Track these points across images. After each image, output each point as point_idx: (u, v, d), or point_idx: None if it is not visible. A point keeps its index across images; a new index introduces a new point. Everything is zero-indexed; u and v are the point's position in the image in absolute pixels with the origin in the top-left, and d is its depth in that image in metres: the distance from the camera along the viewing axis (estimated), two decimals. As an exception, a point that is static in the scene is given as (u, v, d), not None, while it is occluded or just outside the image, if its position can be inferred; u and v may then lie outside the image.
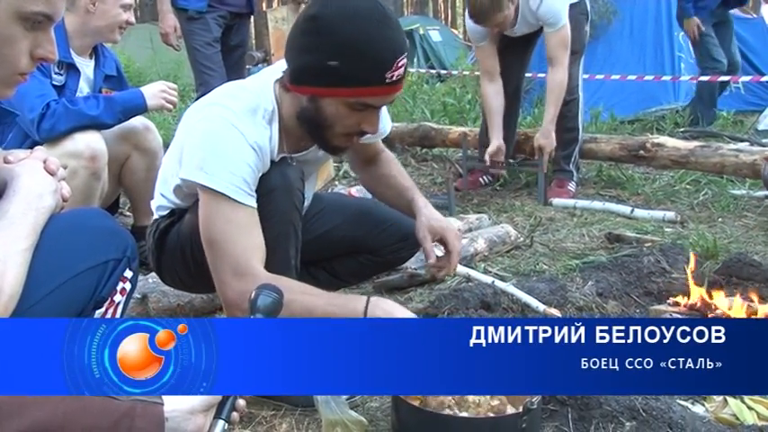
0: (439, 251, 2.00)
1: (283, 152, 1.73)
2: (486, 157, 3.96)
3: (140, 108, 2.74)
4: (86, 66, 2.79)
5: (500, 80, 4.04)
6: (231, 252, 1.60)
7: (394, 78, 1.55)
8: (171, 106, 2.86)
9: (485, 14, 3.68)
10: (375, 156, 2.10)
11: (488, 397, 1.66)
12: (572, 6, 3.89)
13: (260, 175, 1.66)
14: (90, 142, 2.57)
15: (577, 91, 4.03)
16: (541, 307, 2.32)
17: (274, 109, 1.68)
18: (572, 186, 4.10)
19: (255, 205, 1.63)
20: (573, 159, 4.12)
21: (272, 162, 1.70)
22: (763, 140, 5.37)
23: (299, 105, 1.64)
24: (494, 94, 4.02)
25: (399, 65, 1.55)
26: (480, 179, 4.32)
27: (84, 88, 2.77)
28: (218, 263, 1.63)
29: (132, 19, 2.82)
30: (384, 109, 1.97)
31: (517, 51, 4.11)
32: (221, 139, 1.60)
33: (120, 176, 2.91)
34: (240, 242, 1.60)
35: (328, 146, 1.73)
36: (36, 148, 1.37)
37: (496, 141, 3.94)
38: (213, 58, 4.00)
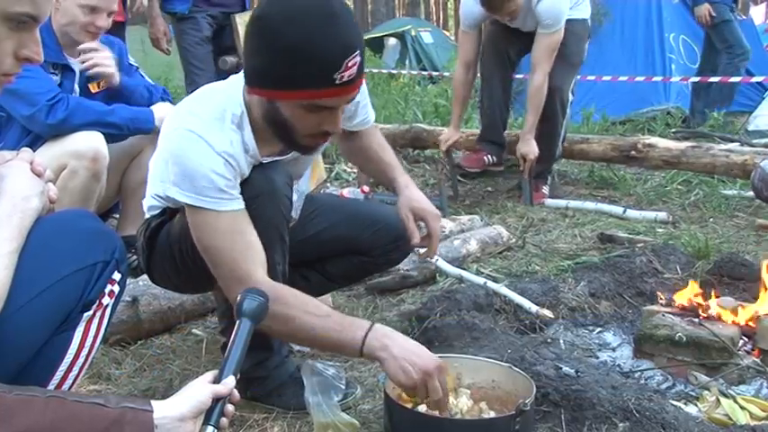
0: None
1: (267, 155, 1.71)
2: (443, 147, 4.20)
3: (148, 127, 2.72)
4: (76, 65, 2.78)
5: (474, 72, 4.14)
6: (226, 260, 1.60)
7: (345, 79, 1.49)
8: None
9: (499, 2, 3.67)
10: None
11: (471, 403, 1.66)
12: (578, 21, 3.90)
13: (238, 179, 1.64)
14: (93, 143, 2.55)
15: (566, 107, 4.00)
16: (534, 308, 2.32)
17: (243, 112, 1.65)
18: (545, 189, 4.13)
19: (240, 206, 1.61)
20: (546, 170, 4.13)
21: (261, 164, 1.69)
22: (754, 141, 5.39)
23: (262, 107, 1.62)
24: (467, 83, 4.16)
25: (350, 65, 1.48)
26: (485, 158, 4.22)
27: (76, 88, 2.76)
28: (218, 272, 1.63)
29: (102, 23, 2.68)
30: (366, 97, 1.96)
31: (507, 52, 4.10)
32: (189, 154, 1.58)
33: (124, 172, 2.86)
34: (232, 248, 1.59)
35: (296, 146, 1.69)
36: (22, 149, 1.35)
37: (454, 132, 4.19)
38: (202, 56, 3.95)
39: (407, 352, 1.54)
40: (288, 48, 1.46)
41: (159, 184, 1.71)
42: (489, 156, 4.20)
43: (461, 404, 1.65)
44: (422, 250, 1.97)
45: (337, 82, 1.49)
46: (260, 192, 1.65)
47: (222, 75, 3.92)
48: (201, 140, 1.58)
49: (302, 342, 1.72)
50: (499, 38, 4.05)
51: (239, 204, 1.61)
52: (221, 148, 1.59)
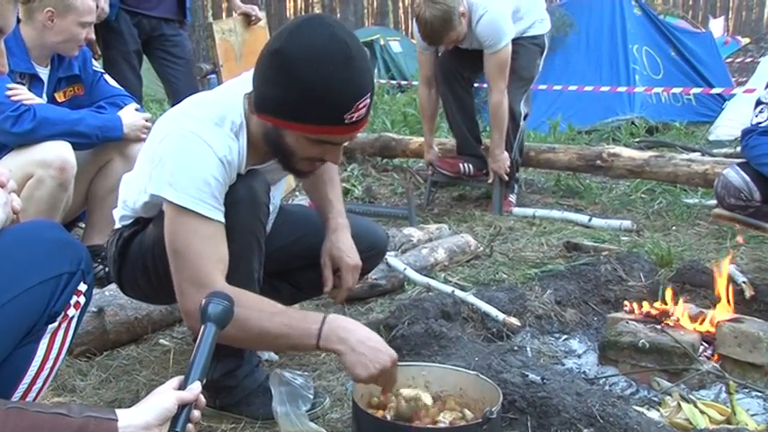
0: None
1: (250, 165, 1.73)
2: (430, 167, 4.26)
3: (117, 135, 2.73)
4: (44, 74, 2.75)
5: (437, 88, 4.17)
6: (194, 262, 1.58)
7: (354, 119, 1.54)
8: (145, 137, 2.83)
9: (437, 35, 3.68)
10: None
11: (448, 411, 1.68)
12: (533, 38, 3.95)
13: (227, 186, 1.65)
14: (61, 153, 2.52)
15: (518, 120, 4.04)
16: (501, 316, 2.34)
17: (242, 123, 1.68)
18: (513, 198, 4.20)
19: (223, 220, 1.62)
20: (512, 179, 4.19)
21: (239, 174, 1.70)
22: (714, 150, 5.52)
23: (265, 128, 1.64)
24: (431, 100, 4.20)
25: (360, 107, 1.53)
26: (461, 165, 4.21)
27: (44, 97, 2.73)
28: (180, 272, 1.61)
29: (92, 35, 2.79)
30: None
31: (458, 71, 4.12)
32: (189, 154, 1.59)
33: (91, 181, 2.83)
34: (204, 253, 1.59)
35: (292, 169, 1.73)
36: (-13, 159, 1.33)
37: (430, 149, 4.27)
38: (125, 73, 3.79)
39: (365, 346, 1.56)
40: (303, 85, 1.50)
41: (144, 192, 1.70)
42: (465, 164, 4.20)
43: (447, 414, 1.67)
44: (326, 288, 1.98)
45: (346, 122, 1.54)
46: (240, 199, 1.66)
47: (187, 88, 3.85)
48: (203, 142, 1.59)
49: (258, 343, 1.69)
50: (449, 58, 4.08)
51: (221, 218, 1.62)
52: (222, 153, 1.60)
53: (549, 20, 4.11)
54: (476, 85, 4.37)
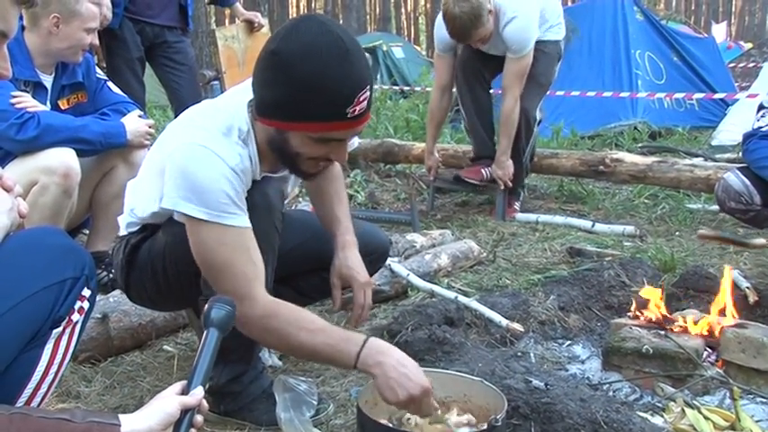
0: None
1: (264, 171, 1.74)
2: (431, 172, 4.24)
3: (121, 141, 2.74)
4: (48, 82, 2.77)
5: (450, 96, 4.16)
6: (229, 275, 1.59)
7: (356, 113, 1.54)
8: (148, 143, 2.84)
9: (466, 31, 3.65)
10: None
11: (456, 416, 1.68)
12: (551, 43, 3.94)
13: (245, 193, 1.65)
14: (65, 159, 2.53)
15: (532, 126, 4.03)
16: (504, 322, 2.34)
17: (249, 130, 1.68)
18: (517, 205, 4.19)
19: (247, 223, 1.62)
20: (519, 185, 4.18)
21: (254, 181, 1.70)
22: (717, 156, 5.51)
23: (269, 133, 1.65)
24: (442, 108, 4.17)
25: (361, 99, 1.53)
26: (482, 171, 4.14)
27: (47, 104, 2.74)
28: (218, 286, 1.62)
29: (96, 41, 2.81)
30: None
31: (481, 73, 4.12)
32: (202, 167, 1.59)
33: (95, 188, 2.84)
34: (236, 264, 1.60)
35: (298, 172, 1.73)
36: (-9, 165, 1.34)
37: (430, 156, 4.23)
38: (129, 80, 3.80)
39: (399, 373, 1.54)
40: (302, 82, 1.50)
41: (155, 202, 1.70)
42: (486, 170, 4.13)
43: (453, 418, 1.67)
44: (334, 308, 2.01)
45: (348, 116, 1.54)
46: (255, 205, 1.67)
47: (189, 95, 3.87)
48: (214, 154, 1.59)
49: (299, 355, 1.80)
50: (472, 60, 4.06)
51: (246, 222, 1.62)
52: (233, 162, 1.61)
53: (564, 25, 4.08)
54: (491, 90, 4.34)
